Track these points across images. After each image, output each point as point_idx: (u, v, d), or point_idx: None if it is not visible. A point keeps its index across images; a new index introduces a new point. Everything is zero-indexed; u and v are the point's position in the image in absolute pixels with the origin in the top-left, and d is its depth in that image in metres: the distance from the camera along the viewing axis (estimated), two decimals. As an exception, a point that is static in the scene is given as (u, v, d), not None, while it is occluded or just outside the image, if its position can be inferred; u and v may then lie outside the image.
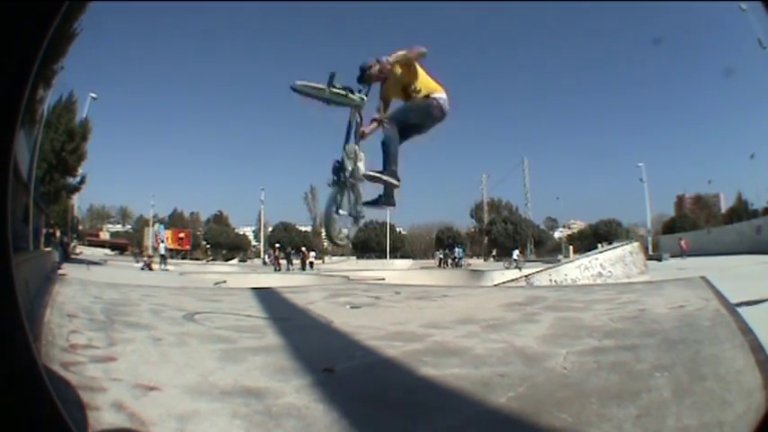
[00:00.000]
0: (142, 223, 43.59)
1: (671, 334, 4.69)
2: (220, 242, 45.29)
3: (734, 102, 46.71)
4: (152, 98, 65.39)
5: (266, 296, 9.23)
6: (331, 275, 18.12)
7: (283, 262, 28.31)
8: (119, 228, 48.99)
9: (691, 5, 38.03)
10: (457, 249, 36.05)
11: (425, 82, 3.58)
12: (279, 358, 4.35)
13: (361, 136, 3.71)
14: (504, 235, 41.74)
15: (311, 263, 28.28)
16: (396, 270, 27.22)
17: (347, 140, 3.70)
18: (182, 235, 41.05)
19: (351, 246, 46.57)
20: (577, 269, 13.94)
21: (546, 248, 44.17)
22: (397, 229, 46.22)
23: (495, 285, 14.52)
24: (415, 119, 3.61)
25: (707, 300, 6.25)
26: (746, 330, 4.40)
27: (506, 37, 58.83)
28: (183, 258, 36.29)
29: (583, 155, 60.04)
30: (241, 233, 49.14)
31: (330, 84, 3.46)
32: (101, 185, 64.21)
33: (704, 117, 51.84)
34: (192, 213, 49.17)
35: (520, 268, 19.96)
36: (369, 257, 40.57)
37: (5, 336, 1.07)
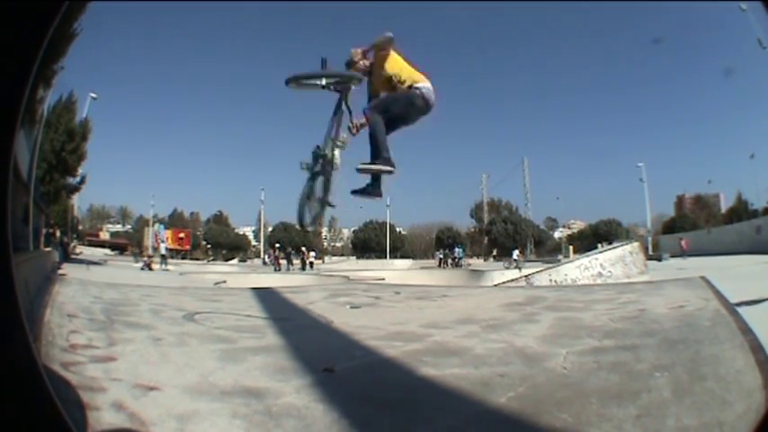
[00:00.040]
0: (142, 223, 43.57)
1: (671, 334, 4.69)
2: (220, 242, 45.29)
3: (734, 102, 46.72)
4: (152, 98, 65.39)
5: (266, 296, 9.23)
6: (331, 275, 18.11)
7: (283, 262, 28.31)
8: (119, 228, 48.97)
9: (691, 5, 38.04)
10: (457, 249, 36.04)
11: (408, 73, 3.61)
12: (279, 358, 4.35)
13: (353, 132, 3.72)
14: (504, 235, 41.74)
15: (311, 263, 28.28)
16: (396, 270, 27.22)
17: (331, 128, 3.71)
18: (182, 235, 41.04)
19: (351, 245, 46.70)
20: (577, 269, 13.94)
21: (546, 248, 44.16)
22: (397, 229, 46.21)
23: (495, 285, 14.52)
24: (398, 109, 3.65)
25: (707, 300, 6.25)
26: (746, 330, 4.40)
27: (506, 37, 58.83)
28: (182, 258, 36.28)
29: (583, 155, 60.05)
30: (241, 233, 49.14)
31: (323, 67, 3.51)
32: (101, 185, 64.16)
33: (704, 117, 51.83)
34: (192, 213, 49.20)
35: (520, 268, 19.96)
36: (369, 257, 40.55)
37: (5, 336, 1.07)
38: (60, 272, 10.50)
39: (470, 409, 3.23)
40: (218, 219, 48.41)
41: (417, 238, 48.94)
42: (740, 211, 34.79)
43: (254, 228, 49.13)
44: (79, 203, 30.67)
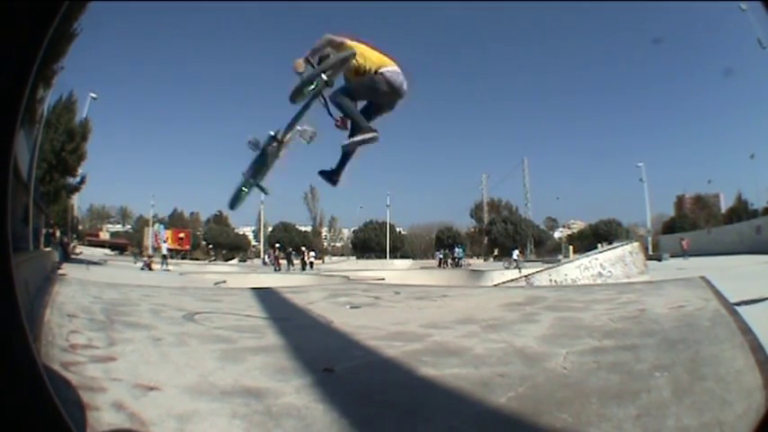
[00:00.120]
0: (142, 223, 43.56)
1: (671, 334, 4.69)
2: (220, 242, 45.29)
3: (734, 101, 46.58)
4: (152, 98, 65.28)
5: (266, 296, 9.23)
6: (331, 275, 18.11)
7: (283, 262, 28.31)
8: (119, 228, 48.96)
9: (691, 5, 38.00)
10: (457, 249, 36.04)
11: (374, 59, 3.65)
12: (279, 358, 4.35)
13: (338, 124, 3.74)
14: (504, 235, 41.74)
15: (311, 263, 28.28)
16: (395, 270, 27.22)
17: (297, 118, 3.75)
18: (182, 235, 41.04)
19: (351, 245, 46.73)
20: (577, 269, 13.95)
21: (546, 248, 44.15)
22: (397, 229, 46.21)
23: (495, 285, 14.52)
24: (363, 95, 3.70)
25: (707, 300, 6.25)
26: (746, 330, 4.40)
27: (506, 37, 58.78)
28: (182, 258, 36.28)
29: (583, 155, 60.01)
30: (241, 233, 49.13)
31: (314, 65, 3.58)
32: (101, 185, 63.99)
33: (704, 117, 51.76)
34: (192, 213, 49.20)
35: (520, 268, 19.96)
36: (368, 257, 40.54)
37: (5, 336, 1.07)
38: (60, 272, 10.51)
39: (470, 409, 3.23)
40: (218, 219, 48.38)
41: (417, 238, 48.95)
42: (740, 211, 34.79)
43: (254, 228, 49.14)
44: (79, 203, 30.72)
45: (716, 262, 15.93)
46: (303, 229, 46.36)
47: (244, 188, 3.87)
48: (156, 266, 21.69)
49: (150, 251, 30.98)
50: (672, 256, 24.56)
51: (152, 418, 2.90)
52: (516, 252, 29.41)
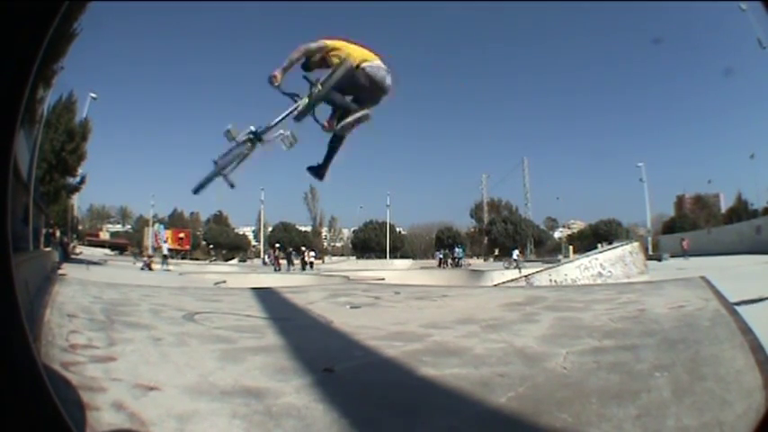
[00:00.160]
0: (142, 223, 43.54)
1: (671, 334, 4.69)
2: (220, 242, 45.28)
3: (734, 101, 46.44)
4: (152, 98, 65.17)
5: (266, 296, 9.24)
6: (331, 275, 18.11)
7: (283, 262, 28.30)
8: (119, 228, 48.95)
9: (691, 5, 37.92)
10: (457, 249, 36.01)
11: (357, 54, 3.70)
12: (279, 358, 4.35)
13: (326, 127, 3.82)
14: (504, 235, 41.73)
15: (311, 263, 28.27)
16: (395, 270, 27.21)
17: (280, 121, 3.83)
18: (182, 235, 41.02)
19: (351, 245, 46.76)
20: (577, 269, 13.95)
21: (546, 248, 44.12)
22: (397, 229, 46.19)
23: (495, 285, 14.52)
24: (346, 90, 3.73)
25: (707, 300, 6.25)
26: (746, 330, 4.40)
27: (506, 36, 58.65)
28: (182, 258, 36.28)
29: (583, 155, 59.85)
30: (241, 233, 49.13)
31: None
32: (101, 185, 63.77)
33: (704, 117, 51.66)
34: (191, 213, 49.17)
35: (520, 268, 19.96)
36: (368, 257, 40.52)
37: (5, 336, 1.07)
38: (60, 272, 10.51)
39: (470, 409, 3.23)
40: (218, 219, 48.38)
41: (417, 238, 48.93)
42: (740, 211, 34.77)
43: (254, 228, 49.13)
44: (79, 203, 30.70)
45: (716, 262, 15.93)
46: (303, 229, 46.34)
47: (212, 177, 3.88)
48: (156, 266, 21.69)
49: (150, 251, 30.96)
50: (672, 256, 24.55)
51: (152, 418, 2.90)
52: (516, 252, 29.38)
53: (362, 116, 3.63)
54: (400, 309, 7.89)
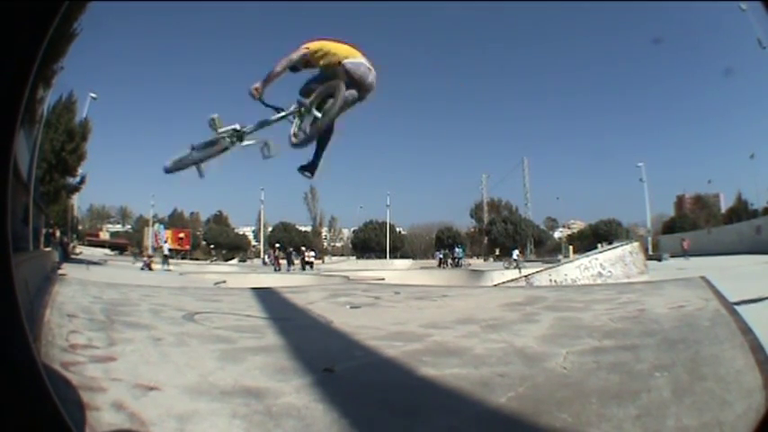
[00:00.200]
0: (142, 223, 43.51)
1: (671, 334, 4.69)
2: (220, 242, 45.27)
3: (734, 102, 46.39)
4: (152, 98, 65.12)
5: (266, 296, 9.23)
6: (331, 275, 18.11)
7: (283, 262, 28.28)
8: (119, 228, 48.93)
9: (691, 5, 37.88)
10: (457, 249, 36.01)
11: (340, 52, 3.73)
12: (279, 358, 4.35)
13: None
14: (504, 235, 41.72)
15: (311, 263, 28.26)
16: (395, 270, 27.21)
17: (266, 125, 3.89)
18: (182, 235, 40.99)
19: (351, 245, 46.77)
20: (577, 269, 13.95)
21: (546, 248, 44.11)
22: (397, 229, 46.18)
23: (495, 285, 14.52)
24: (324, 87, 3.73)
25: (707, 300, 6.25)
26: (746, 330, 4.40)
27: (506, 37, 58.62)
28: (182, 258, 36.27)
29: (583, 155, 59.77)
30: (241, 233, 49.11)
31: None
32: (101, 185, 63.67)
33: (704, 117, 51.58)
34: (191, 213, 49.16)
35: (520, 268, 19.96)
36: (369, 257, 40.52)
37: (5, 336, 1.07)
38: (60, 272, 10.51)
39: (470, 409, 3.23)
40: (218, 219, 48.38)
41: (417, 238, 48.92)
42: (740, 211, 34.75)
43: (254, 228, 49.11)
44: (79, 203, 30.67)
45: (716, 262, 15.93)
46: (303, 229, 46.33)
47: (186, 161, 3.88)
48: (156, 266, 21.69)
49: (150, 251, 30.95)
50: (672, 256, 24.55)
51: (152, 418, 2.90)
52: (516, 252, 29.38)
53: (348, 99, 3.63)
54: (400, 309, 7.89)
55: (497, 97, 59.66)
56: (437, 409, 3.28)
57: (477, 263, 35.36)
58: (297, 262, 28.45)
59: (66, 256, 17.36)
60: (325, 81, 3.71)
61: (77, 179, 20.29)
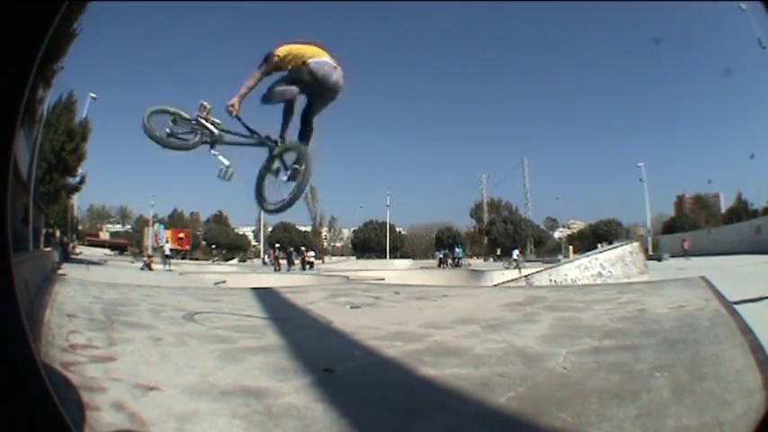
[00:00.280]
0: (142, 223, 43.53)
1: (671, 334, 4.69)
2: (220, 242, 45.27)
3: (734, 102, 46.54)
4: (152, 98, 65.08)
5: (266, 296, 9.23)
6: (331, 275, 18.11)
7: (283, 262, 28.28)
8: (119, 228, 48.92)
9: (691, 5, 37.96)
10: (457, 249, 36.01)
11: (305, 52, 3.81)
12: (279, 358, 4.35)
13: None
14: (504, 235, 41.71)
15: (310, 263, 28.25)
16: (395, 270, 27.21)
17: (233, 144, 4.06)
18: (181, 235, 41.00)
19: (351, 245, 46.79)
20: (577, 269, 13.95)
21: (546, 248, 44.12)
22: (397, 229, 46.19)
23: (495, 285, 14.52)
24: (289, 88, 3.87)
25: (707, 300, 6.25)
26: (746, 330, 4.40)
27: (506, 37, 58.67)
28: (182, 258, 36.26)
29: (583, 155, 59.89)
30: (241, 233, 49.11)
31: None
32: (101, 185, 63.77)
33: (704, 117, 51.69)
34: (191, 213, 49.17)
35: (520, 268, 19.95)
36: (369, 257, 40.52)
37: (5, 336, 1.07)
38: (60, 272, 10.51)
39: (470, 409, 3.23)
40: (218, 219, 48.39)
41: (417, 238, 48.92)
42: (740, 211, 34.76)
43: (254, 228, 49.11)
44: (79, 203, 30.69)
45: (716, 262, 15.93)
46: (303, 229, 46.33)
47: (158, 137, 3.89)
48: (156, 266, 21.68)
49: (150, 251, 30.94)
50: (672, 256, 24.55)
51: (152, 418, 2.90)
52: (516, 252, 29.38)
53: (292, 93, 3.81)
54: (400, 309, 7.88)
55: (497, 97, 59.78)
56: (437, 408, 3.28)
57: (477, 263, 35.36)
58: (297, 262, 28.45)
59: (66, 256, 17.38)
60: (292, 82, 3.78)
61: (77, 179, 20.35)
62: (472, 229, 47.74)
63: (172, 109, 3.92)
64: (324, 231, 50.63)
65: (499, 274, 18.94)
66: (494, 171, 56.03)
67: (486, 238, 44.81)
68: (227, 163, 3.95)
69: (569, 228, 50.22)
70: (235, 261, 39.40)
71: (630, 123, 55.46)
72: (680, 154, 55.10)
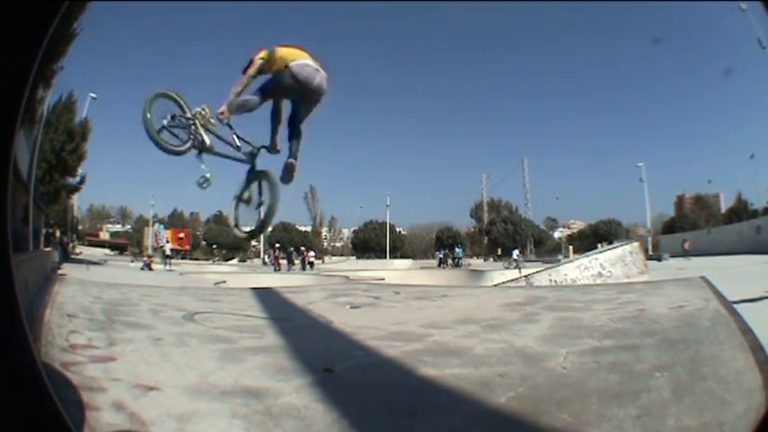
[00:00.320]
0: (142, 223, 43.53)
1: (671, 334, 4.69)
2: (220, 242, 45.25)
3: (734, 101, 46.54)
4: (152, 98, 64.97)
5: (266, 296, 9.23)
6: (331, 275, 18.10)
7: (283, 262, 28.26)
8: (118, 228, 48.93)
9: (691, 5, 37.96)
10: (457, 249, 36.01)
11: (287, 55, 3.83)
12: (279, 358, 4.35)
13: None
14: (504, 235, 41.71)
15: (310, 263, 28.24)
16: (395, 270, 27.21)
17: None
18: (181, 235, 41.01)
19: (351, 245, 46.80)
20: (577, 269, 13.95)
21: (546, 248, 44.12)
22: (397, 229, 46.18)
23: (495, 285, 14.52)
24: (272, 92, 3.88)
25: (707, 300, 6.25)
26: (746, 330, 4.40)
27: (506, 37, 58.70)
28: (182, 258, 36.25)
29: (583, 155, 59.86)
30: (241, 233, 49.02)
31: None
32: (101, 185, 63.75)
33: (704, 117, 51.68)
34: (191, 213, 49.18)
35: (520, 268, 19.95)
36: (368, 257, 40.52)
37: (5, 336, 1.07)
38: (60, 272, 10.51)
39: (470, 409, 3.23)
40: (219, 219, 48.36)
41: (417, 238, 48.91)
42: (740, 211, 34.74)
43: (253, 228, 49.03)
44: (79, 203, 30.64)
45: (716, 262, 15.93)
46: (303, 229, 46.34)
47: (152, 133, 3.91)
48: (156, 266, 21.67)
49: (150, 251, 30.94)
50: (672, 256, 24.55)
51: (152, 418, 2.90)
52: (516, 252, 29.37)
53: (253, 103, 3.82)
54: (400, 309, 7.88)
55: (497, 97, 59.77)
56: (437, 408, 3.28)
57: (477, 263, 35.36)
58: (297, 262, 28.44)
59: (66, 256, 17.37)
60: (276, 85, 3.79)
61: (77, 179, 20.31)
62: (472, 229, 47.75)
63: (175, 95, 3.94)
64: (324, 231, 50.64)
65: (499, 274, 18.94)
66: (494, 171, 56.12)
67: (486, 238, 44.81)
68: (207, 175, 3.98)
69: (569, 228, 50.22)
70: (235, 261, 39.38)
71: (630, 123, 55.45)
72: (680, 154, 55.10)
